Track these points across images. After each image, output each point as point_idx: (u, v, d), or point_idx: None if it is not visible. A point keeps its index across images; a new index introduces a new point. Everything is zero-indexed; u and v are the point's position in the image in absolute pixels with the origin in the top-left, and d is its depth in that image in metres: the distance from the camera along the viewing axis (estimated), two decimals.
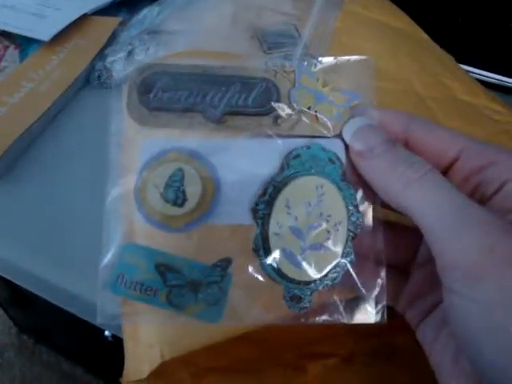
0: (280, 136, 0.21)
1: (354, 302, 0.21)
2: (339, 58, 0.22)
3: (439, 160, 0.21)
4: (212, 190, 0.21)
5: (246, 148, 0.21)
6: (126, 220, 0.21)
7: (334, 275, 0.21)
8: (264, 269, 0.20)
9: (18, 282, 0.33)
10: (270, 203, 0.21)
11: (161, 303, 0.20)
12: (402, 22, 0.39)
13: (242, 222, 0.21)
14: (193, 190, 0.20)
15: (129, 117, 0.22)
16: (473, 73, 0.43)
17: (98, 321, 0.21)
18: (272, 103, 0.21)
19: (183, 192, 0.21)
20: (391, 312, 0.25)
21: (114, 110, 0.22)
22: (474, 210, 0.17)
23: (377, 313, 0.21)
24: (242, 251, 0.21)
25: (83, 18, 0.47)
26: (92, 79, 0.42)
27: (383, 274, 0.21)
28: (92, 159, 0.36)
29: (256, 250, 0.20)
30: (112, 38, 0.45)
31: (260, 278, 0.21)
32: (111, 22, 0.47)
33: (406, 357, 0.26)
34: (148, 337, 0.23)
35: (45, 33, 0.44)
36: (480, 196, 0.20)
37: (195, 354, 0.21)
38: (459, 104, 0.32)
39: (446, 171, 0.21)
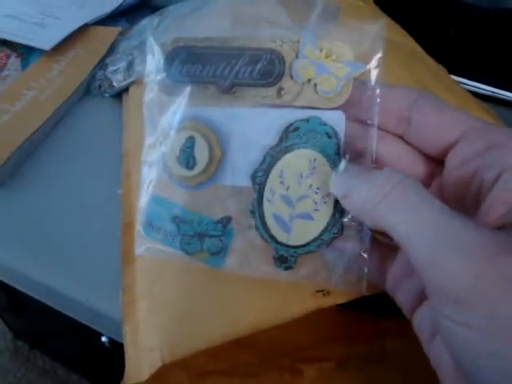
0: (282, 107, 0.22)
1: (337, 269, 0.22)
2: (349, 26, 0.22)
3: (440, 140, 0.20)
4: (219, 156, 0.23)
5: (251, 118, 0.23)
6: (157, 177, 0.24)
7: (318, 242, 0.22)
8: (258, 230, 0.22)
9: (18, 287, 0.34)
10: (266, 172, 0.22)
11: (176, 247, 0.23)
12: (396, 33, 0.40)
13: (243, 185, 0.23)
14: (202, 156, 0.23)
15: (158, 88, 0.24)
16: (465, 84, 0.44)
17: (136, 252, 0.24)
18: (276, 75, 0.22)
19: (193, 157, 0.23)
20: (383, 316, 0.26)
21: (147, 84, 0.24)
22: (458, 230, 0.16)
23: (357, 282, 0.21)
24: (241, 212, 0.23)
25: (84, 27, 0.48)
26: (93, 88, 0.43)
27: (367, 245, 0.21)
28: (93, 166, 0.37)
29: (252, 212, 0.22)
30: (112, 48, 0.46)
31: (254, 237, 0.22)
32: (111, 32, 0.47)
33: (398, 361, 0.26)
34: (148, 340, 0.23)
35: (46, 42, 0.44)
36: (479, 182, 0.19)
37: (193, 358, 0.22)
38: None
39: (446, 152, 0.20)
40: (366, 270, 0.21)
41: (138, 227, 0.24)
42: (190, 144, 0.23)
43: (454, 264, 0.15)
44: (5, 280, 0.34)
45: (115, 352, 0.58)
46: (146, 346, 0.23)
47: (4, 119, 0.38)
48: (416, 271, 0.17)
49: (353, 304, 0.23)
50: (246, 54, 0.22)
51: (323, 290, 0.22)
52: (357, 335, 0.25)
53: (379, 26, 0.22)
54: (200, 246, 0.23)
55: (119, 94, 0.42)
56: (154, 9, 0.51)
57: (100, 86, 0.43)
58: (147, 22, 0.46)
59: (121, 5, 0.51)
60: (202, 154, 0.23)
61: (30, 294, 0.33)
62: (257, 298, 0.23)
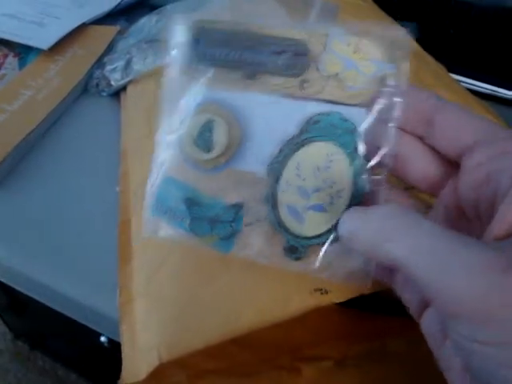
0: (305, 99, 0.22)
1: (344, 263, 0.22)
2: (375, 28, 0.22)
3: (459, 142, 0.20)
4: (238, 140, 0.23)
5: (272, 107, 0.23)
6: (172, 158, 0.23)
7: (329, 235, 0.22)
8: (269, 219, 0.22)
9: (17, 287, 0.34)
10: (283, 162, 0.22)
11: (185, 228, 0.23)
12: (394, 31, 0.40)
13: (259, 173, 0.22)
14: (220, 139, 0.23)
15: (180, 68, 0.23)
16: (464, 82, 0.44)
17: (143, 234, 0.24)
18: (300, 66, 0.22)
19: (211, 140, 0.23)
20: (383, 315, 0.26)
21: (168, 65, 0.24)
22: (461, 251, 0.16)
23: (363, 279, 0.21)
24: (254, 199, 0.22)
25: (82, 26, 0.47)
26: (90, 87, 0.43)
27: None
28: (90, 164, 0.37)
29: (266, 201, 0.22)
30: (111, 47, 0.46)
31: (265, 226, 0.22)
32: (110, 31, 0.47)
33: (398, 360, 0.26)
34: (145, 339, 0.23)
35: (44, 41, 0.44)
36: (494, 187, 0.19)
37: (192, 357, 0.22)
38: None
39: (460, 157, 0.20)
40: (373, 266, 0.21)
41: (145, 211, 0.23)
42: (209, 127, 0.23)
43: (460, 286, 0.15)
44: (4, 280, 0.34)
45: (114, 352, 0.58)
46: (143, 345, 0.23)
47: (1, 118, 0.38)
48: (426, 296, 0.17)
49: (352, 303, 0.23)
50: (271, 43, 0.22)
51: (321, 289, 0.22)
52: (356, 334, 0.25)
53: (404, 33, 0.22)
54: (210, 230, 0.23)
55: (117, 93, 0.42)
56: (153, 8, 0.51)
57: (98, 85, 0.42)
58: (145, 21, 0.47)
59: (119, 4, 0.51)
60: (220, 137, 0.23)
61: (29, 294, 0.33)
62: (255, 297, 0.23)
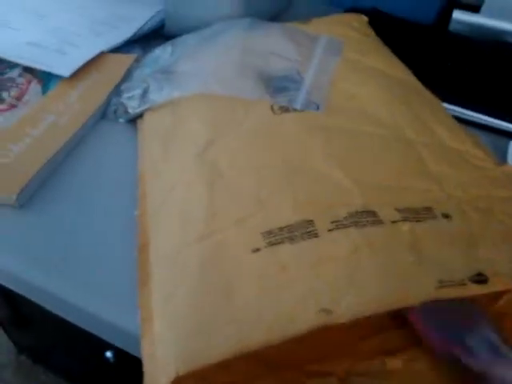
0: None
1: None
2: None
3: None
4: None
5: None
6: None
7: None
8: None
9: (37, 301, 0.35)
10: None
11: None
12: (398, 69, 0.43)
13: None
14: None
15: None
16: (461, 113, 0.46)
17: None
18: None
19: None
20: (384, 332, 0.28)
21: None
22: None
23: None
24: None
25: (101, 54, 0.50)
26: (108, 113, 0.45)
27: None
28: (109, 187, 0.39)
29: None
30: (127, 74, 0.49)
31: None
32: (127, 59, 0.50)
33: (396, 377, 0.28)
34: (164, 353, 0.25)
35: (65, 69, 0.47)
36: None
37: (209, 370, 0.23)
38: (447, 150, 0.34)
39: None
40: None
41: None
42: None
43: None
44: (26, 295, 0.36)
45: (119, 367, 0.59)
46: (161, 359, 0.25)
47: (26, 142, 0.40)
48: None
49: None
50: None
51: (326, 309, 0.24)
52: (359, 351, 0.27)
53: None
54: None
55: (133, 120, 0.44)
56: (167, 37, 0.54)
57: (115, 112, 0.45)
58: (161, 52, 0.49)
59: (135, 34, 0.54)
60: None
61: (49, 308, 0.35)
62: (265, 314, 0.25)
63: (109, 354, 0.59)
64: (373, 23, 0.52)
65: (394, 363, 0.27)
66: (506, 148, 0.42)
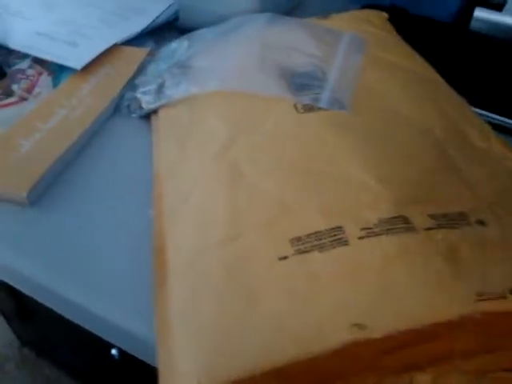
0: None
1: None
2: None
3: None
4: None
5: None
6: None
7: None
8: None
9: (47, 304, 0.34)
10: None
11: None
12: (422, 67, 0.41)
13: None
14: None
15: None
16: (485, 116, 0.45)
17: None
18: None
19: None
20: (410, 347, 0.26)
21: None
22: None
23: None
24: None
25: (113, 47, 0.49)
26: (122, 108, 0.44)
27: None
28: (121, 186, 0.38)
29: None
30: (140, 68, 0.47)
31: None
32: (140, 53, 0.49)
33: None
34: (184, 363, 0.24)
35: (77, 61, 0.46)
36: None
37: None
38: (477, 151, 0.33)
39: None
40: None
41: None
42: None
43: None
44: (35, 296, 0.35)
45: (124, 365, 0.58)
46: (181, 369, 0.24)
47: (37, 137, 0.39)
48: None
49: None
50: None
51: (359, 324, 0.23)
52: (386, 366, 0.26)
53: None
54: None
55: (147, 115, 0.43)
56: (181, 30, 0.53)
57: (129, 106, 0.44)
58: (177, 46, 0.48)
59: (149, 26, 0.53)
60: None
61: (58, 311, 0.34)
62: (293, 328, 0.23)
63: (114, 351, 0.59)
64: (391, 20, 0.50)
65: (423, 379, 0.26)
66: None
